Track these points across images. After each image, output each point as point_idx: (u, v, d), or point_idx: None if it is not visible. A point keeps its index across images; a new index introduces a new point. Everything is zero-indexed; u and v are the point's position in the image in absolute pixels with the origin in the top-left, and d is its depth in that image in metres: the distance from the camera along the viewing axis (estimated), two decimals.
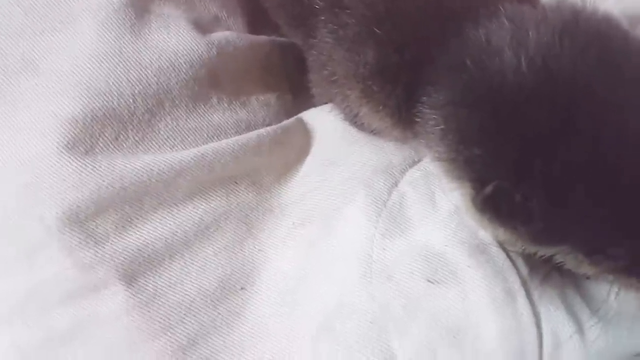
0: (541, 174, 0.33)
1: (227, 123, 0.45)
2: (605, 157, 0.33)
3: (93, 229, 0.40)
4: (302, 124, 0.49)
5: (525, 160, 0.34)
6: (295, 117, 0.50)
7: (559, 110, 0.33)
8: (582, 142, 0.33)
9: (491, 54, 0.35)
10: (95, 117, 0.41)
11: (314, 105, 0.51)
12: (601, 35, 0.36)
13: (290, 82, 0.52)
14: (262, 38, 0.51)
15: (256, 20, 0.53)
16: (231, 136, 0.45)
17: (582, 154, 0.33)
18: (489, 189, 0.35)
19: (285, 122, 0.48)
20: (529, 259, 0.40)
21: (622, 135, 0.34)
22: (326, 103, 0.49)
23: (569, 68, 0.34)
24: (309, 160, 0.47)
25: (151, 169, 0.40)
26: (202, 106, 0.44)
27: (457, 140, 0.37)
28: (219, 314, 0.41)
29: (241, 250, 0.43)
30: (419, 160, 0.44)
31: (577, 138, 0.33)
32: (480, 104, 0.35)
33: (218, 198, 0.43)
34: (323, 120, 0.49)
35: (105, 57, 0.42)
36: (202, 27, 0.47)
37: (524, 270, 0.39)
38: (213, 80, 0.45)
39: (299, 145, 0.48)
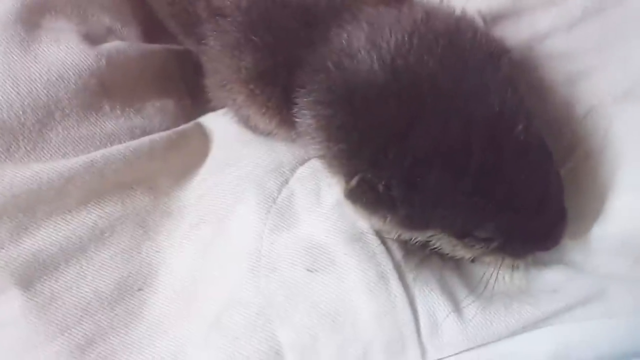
0: (395, 164, 0.36)
1: (121, 130, 0.47)
2: (453, 143, 0.36)
3: None
4: (201, 128, 0.51)
5: (381, 152, 0.36)
6: (194, 121, 0.51)
7: (406, 103, 0.36)
8: (429, 131, 0.36)
9: (349, 56, 0.38)
10: None
11: (213, 110, 0.52)
12: (450, 32, 0.38)
13: (188, 88, 0.54)
14: (157, 46, 0.52)
15: (153, 30, 0.55)
16: (125, 142, 0.46)
17: (430, 142, 0.36)
18: (354, 181, 0.37)
19: (182, 126, 0.50)
20: (405, 244, 0.43)
21: (468, 121, 0.36)
22: (223, 107, 0.51)
23: (416, 64, 0.36)
24: (207, 162, 0.49)
25: (40, 178, 0.42)
26: (94, 114, 0.46)
27: (326, 138, 0.39)
28: (116, 314, 0.43)
29: (138, 252, 0.45)
30: (309, 159, 0.47)
31: (423, 128, 0.35)
32: (340, 103, 0.38)
33: (113, 203, 0.45)
34: (219, 124, 0.51)
35: None
36: (93, 38, 0.48)
37: (398, 255, 0.42)
38: (104, 89, 0.46)
39: (198, 148, 0.49)
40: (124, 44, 0.49)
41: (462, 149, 0.36)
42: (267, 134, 0.47)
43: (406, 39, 0.37)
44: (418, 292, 0.41)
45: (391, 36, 0.37)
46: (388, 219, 0.39)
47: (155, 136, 0.47)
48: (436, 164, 0.36)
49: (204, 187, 0.47)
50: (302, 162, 0.47)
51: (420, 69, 0.36)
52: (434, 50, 0.37)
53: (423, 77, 0.36)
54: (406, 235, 0.41)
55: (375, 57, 0.37)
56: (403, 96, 0.36)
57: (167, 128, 0.49)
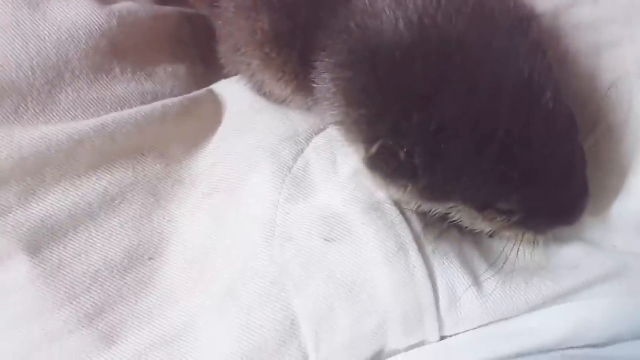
0: (419, 129, 0.35)
1: (132, 94, 0.46)
2: (480, 109, 0.35)
3: None
4: (213, 95, 0.50)
5: (405, 117, 0.35)
6: (206, 88, 0.50)
7: (432, 66, 0.34)
8: (456, 96, 0.34)
9: (373, 16, 0.36)
10: None
11: (227, 77, 0.51)
12: None
13: (201, 54, 0.52)
14: (169, 9, 0.51)
15: None
16: (136, 107, 0.45)
17: (457, 108, 0.34)
18: (374, 149, 0.36)
19: (195, 93, 0.48)
20: (424, 216, 0.41)
21: (497, 87, 0.35)
22: (237, 74, 0.50)
23: (444, 25, 0.35)
24: (220, 130, 0.48)
25: (50, 139, 0.40)
26: (105, 77, 0.45)
27: (346, 103, 0.38)
28: (126, 284, 0.42)
29: (149, 221, 0.44)
30: (325, 128, 0.45)
31: (451, 92, 0.34)
32: (361, 65, 0.36)
33: (124, 170, 0.43)
34: (233, 91, 0.49)
35: (2, 31, 0.42)
36: None
37: (418, 226, 0.41)
38: (115, 51, 0.45)
39: (211, 116, 0.48)
40: (136, 5, 0.47)
41: (490, 116, 0.35)
42: (282, 101, 0.46)
43: None
44: (437, 264, 0.40)
45: None
46: (408, 188, 0.38)
47: (168, 101, 0.45)
48: (462, 130, 0.35)
49: (217, 156, 0.46)
50: (318, 132, 0.45)
51: (449, 29, 0.35)
52: (464, 11, 0.35)
53: (452, 38, 0.35)
54: (426, 206, 0.40)
55: (401, 16, 0.35)
56: (430, 58, 0.34)
57: (179, 94, 0.48)
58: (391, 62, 0.35)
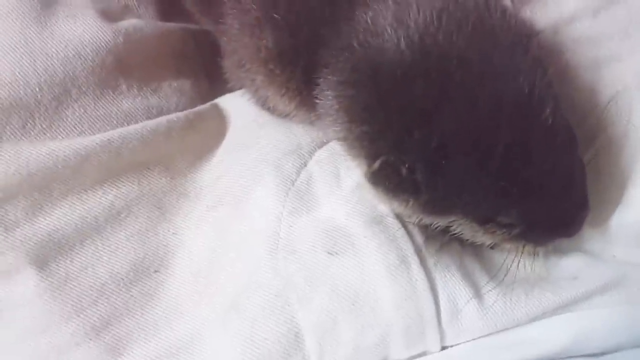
0: (420, 146, 0.35)
1: (138, 109, 0.46)
2: (481, 125, 0.35)
3: (3, 215, 0.41)
4: (217, 109, 0.50)
5: (406, 133, 0.35)
6: (210, 102, 0.50)
7: (433, 83, 0.35)
8: (457, 112, 0.35)
9: (375, 35, 0.37)
10: (1, 106, 0.42)
11: (231, 91, 0.51)
12: (479, 10, 0.37)
13: (206, 69, 0.53)
14: (174, 25, 0.52)
15: (169, 9, 0.54)
16: (141, 122, 0.45)
17: (457, 123, 0.35)
18: (376, 164, 0.37)
19: (199, 107, 0.49)
20: (425, 229, 0.42)
21: (497, 103, 0.35)
22: (241, 88, 0.50)
23: (445, 42, 0.35)
24: (224, 144, 0.48)
25: (57, 155, 0.41)
26: (111, 93, 0.45)
27: (348, 119, 0.39)
28: (132, 296, 0.42)
29: (155, 234, 0.44)
30: (328, 141, 0.46)
31: (451, 108, 0.35)
32: (364, 82, 0.37)
33: (129, 184, 0.44)
34: (237, 105, 0.50)
35: (10, 49, 0.43)
36: (110, 15, 0.47)
37: (419, 239, 0.41)
38: (121, 67, 0.46)
39: (215, 129, 0.49)
40: (141, 22, 0.48)
41: (490, 131, 0.35)
42: (286, 116, 0.47)
43: (435, 16, 0.36)
44: (439, 277, 0.40)
45: (419, 14, 0.36)
46: (410, 203, 0.39)
47: (173, 116, 0.46)
48: (463, 146, 0.35)
49: (221, 169, 0.46)
50: (321, 145, 0.46)
51: (450, 47, 0.35)
52: (464, 28, 0.36)
53: (452, 56, 0.35)
54: (427, 220, 0.40)
55: (402, 35, 0.36)
56: (431, 75, 0.35)
57: (184, 109, 0.48)
58: (392, 79, 0.36)
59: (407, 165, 0.36)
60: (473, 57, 0.35)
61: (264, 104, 0.47)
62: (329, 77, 0.39)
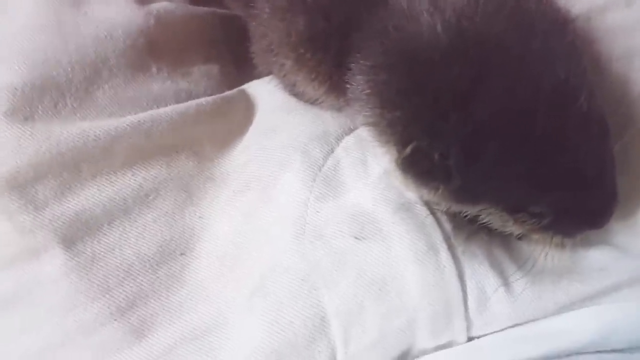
0: (455, 131, 0.35)
1: (167, 92, 0.46)
2: (518, 110, 0.35)
3: (33, 194, 0.41)
4: (245, 95, 0.50)
5: (440, 118, 0.35)
6: (238, 88, 0.50)
7: (470, 67, 0.34)
8: (494, 97, 0.34)
9: (410, 18, 0.37)
10: (34, 85, 0.42)
11: (258, 77, 0.51)
12: None
13: (233, 54, 0.53)
14: (203, 9, 0.52)
15: None
16: (171, 105, 0.45)
17: (494, 109, 0.34)
18: (408, 150, 0.37)
19: (227, 92, 0.49)
20: (454, 217, 0.42)
21: (535, 88, 0.35)
22: (269, 74, 0.50)
23: (482, 26, 0.35)
24: (251, 129, 0.48)
25: (87, 135, 0.41)
26: (141, 75, 0.45)
27: (380, 104, 0.38)
28: (158, 278, 0.43)
29: (181, 217, 0.44)
30: (355, 128, 0.46)
31: (488, 93, 0.34)
32: (397, 66, 0.37)
33: (158, 166, 0.44)
34: (264, 91, 0.50)
35: (44, 29, 0.43)
36: None
37: (448, 227, 0.41)
38: (152, 50, 0.46)
39: (242, 115, 0.49)
40: (172, 4, 0.48)
41: (527, 118, 0.35)
42: (314, 101, 0.47)
43: (472, 1, 0.36)
44: (467, 265, 0.40)
45: None
46: (440, 190, 0.38)
47: (202, 100, 0.46)
48: (498, 131, 0.35)
49: (248, 154, 0.46)
50: (348, 132, 0.46)
51: (487, 31, 0.35)
52: (502, 12, 0.35)
53: (490, 39, 0.35)
54: (456, 207, 0.40)
55: (439, 19, 0.35)
56: (468, 58, 0.34)
57: (212, 94, 0.48)
58: (428, 63, 0.35)
59: (439, 151, 0.36)
60: (511, 41, 0.35)
61: (292, 90, 0.47)
62: (362, 61, 0.39)
